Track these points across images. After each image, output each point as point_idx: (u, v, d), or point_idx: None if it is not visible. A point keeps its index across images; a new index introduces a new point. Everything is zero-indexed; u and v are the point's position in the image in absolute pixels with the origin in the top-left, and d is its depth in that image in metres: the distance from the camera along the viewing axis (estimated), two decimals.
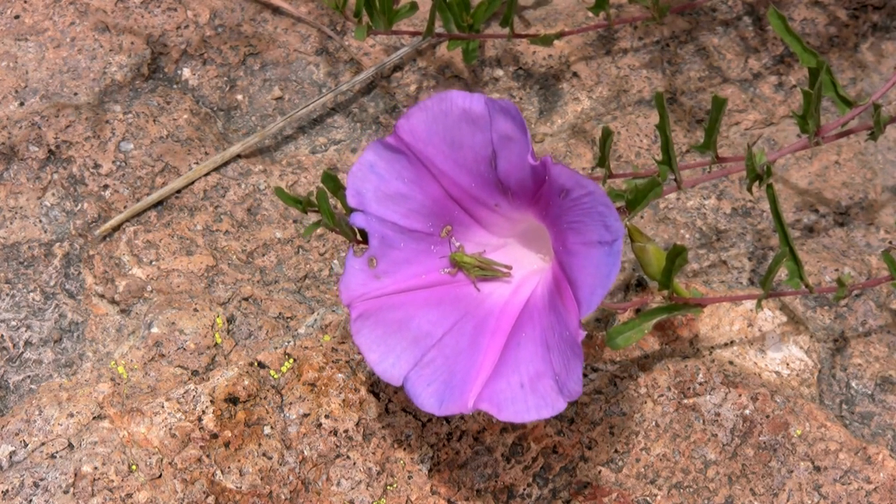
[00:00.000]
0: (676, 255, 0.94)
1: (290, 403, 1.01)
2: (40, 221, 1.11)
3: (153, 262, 1.09)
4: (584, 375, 1.04)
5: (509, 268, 0.97)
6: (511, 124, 0.90)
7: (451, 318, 0.95)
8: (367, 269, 0.95)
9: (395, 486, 1.00)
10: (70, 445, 0.99)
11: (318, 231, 1.12)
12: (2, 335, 1.06)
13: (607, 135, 0.96)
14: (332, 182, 0.96)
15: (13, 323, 1.06)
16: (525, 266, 0.97)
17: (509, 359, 0.91)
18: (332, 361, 1.03)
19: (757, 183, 0.99)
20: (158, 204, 1.12)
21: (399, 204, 0.95)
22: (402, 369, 0.94)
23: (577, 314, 0.87)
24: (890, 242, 1.12)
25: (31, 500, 0.96)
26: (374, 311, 0.95)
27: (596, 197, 0.87)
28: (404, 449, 1.01)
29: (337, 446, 1.00)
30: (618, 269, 0.86)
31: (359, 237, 0.97)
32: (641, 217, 1.13)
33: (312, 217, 1.12)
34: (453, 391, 0.92)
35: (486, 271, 0.97)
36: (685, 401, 1.02)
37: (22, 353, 1.06)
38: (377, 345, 0.94)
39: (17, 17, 1.20)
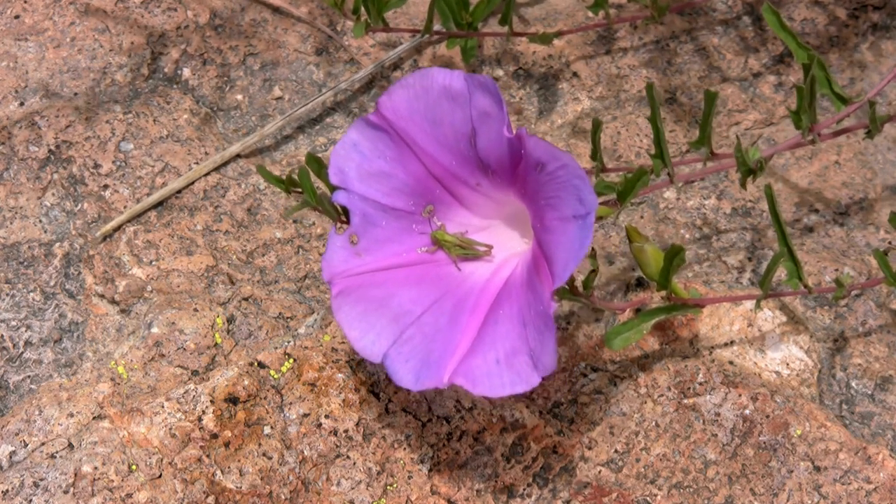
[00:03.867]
0: (674, 255, 0.94)
1: (290, 403, 1.01)
2: (40, 221, 1.11)
3: (153, 262, 1.09)
4: (584, 375, 1.04)
5: (490, 247, 0.97)
6: (489, 100, 0.90)
7: (431, 296, 0.95)
8: (348, 247, 0.95)
9: (395, 486, 1.00)
10: (70, 445, 0.99)
11: (318, 231, 1.12)
12: (2, 335, 1.06)
13: (596, 126, 0.96)
14: (316, 163, 0.96)
15: (13, 323, 1.07)
16: (507, 248, 0.97)
17: (486, 336, 0.92)
18: (332, 361, 1.03)
19: (752, 178, 0.99)
20: (158, 204, 1.12)
21: (381, 182, 0.95)
22: (381, 346, 0.94)
23: (550, 286, 0.88)
24: (889, 242, 1.12)
25: (31, 500, 0.96)
26: (355, 288, 0.95)
27: (570, 169, 0.87)
28: (404, 449, 1.01)
29: (337, 446, 1.00)
30: (590, 241, 0.87)
31: (342, 216, 0.97)
32: (641, 217, 1.13)
33: (312, 216, 1.12)
34: (430, 368, 0.92)
35: (467, 250, 0.97)
36: (685, 401, 1.03)
37: (22, 353, 1.06)
38: (357, 322, 0.95)
39: (17, 17, 1.21)
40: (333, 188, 0.95)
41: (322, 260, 0.96)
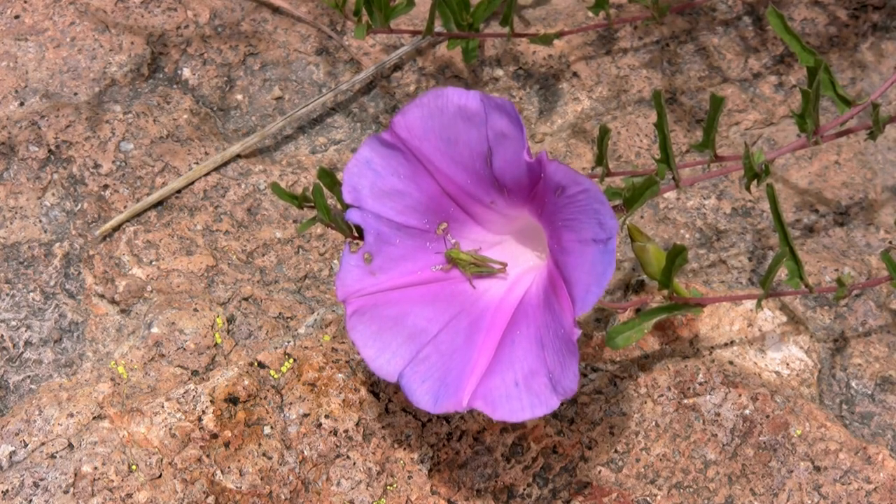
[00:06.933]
0: (676, 255, 0.94)
1: (290, 403, 1.01)
2: (40, 221, 1.11)
3: (153, 262, 1.09)
4: (584, 375, 1.04)
5: (504, 265, 0.97)
6: (506, 121, 0.90)
7: (446, 314, 0.95)
8: (362, 266, 0.95)
9: (395, 486, 1.00)
10: (70, 445, 0.99)
11: (318, 231, 1.12)
12: (2, 335, 1.06)
13: (604, 133, 0.96)
14: (328, 178, 0.96)
15: (13, 323, 1.07)
16: (521, 263, 0.97)
17: (504, 357, 0.91)
18: (332, 361, 1.03)
19: (755, 182, 0.99)
20: (158, 204, 1.12)
21: (395, 200, 0.95)
22: (397, 366, 0.94)
23: (571, 312, 0.87)
24: (890, 242, 1.12)
25: (31, 500, 0.96)
26: (370, 307, 0.95)
27: (591, 194, 0.87)
28: (404, 449, 1.01)
29: (337, 446, 1.00)
30: (613, 268, 0.86)
31: (355, 233, 0.97)
32: (641, 217, 1.13)
33: (313, 216, 1.12)
34: (448, 389, 0.92)
35: (482, 268, 0.97)
36: (685, 401, 1.03)
37: (22, 353, 1.06)
38: (373, 341, 0.95)
39: (17, 17, 1.21)
40: (347, 206, 0.95)
41: (336, 279, 0.96)
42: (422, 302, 0.95)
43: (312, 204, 0.96)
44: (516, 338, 0.92)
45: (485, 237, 0.98)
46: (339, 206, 0.97)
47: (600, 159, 0.99)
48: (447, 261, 0.97)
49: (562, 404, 1.03)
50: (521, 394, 0.90)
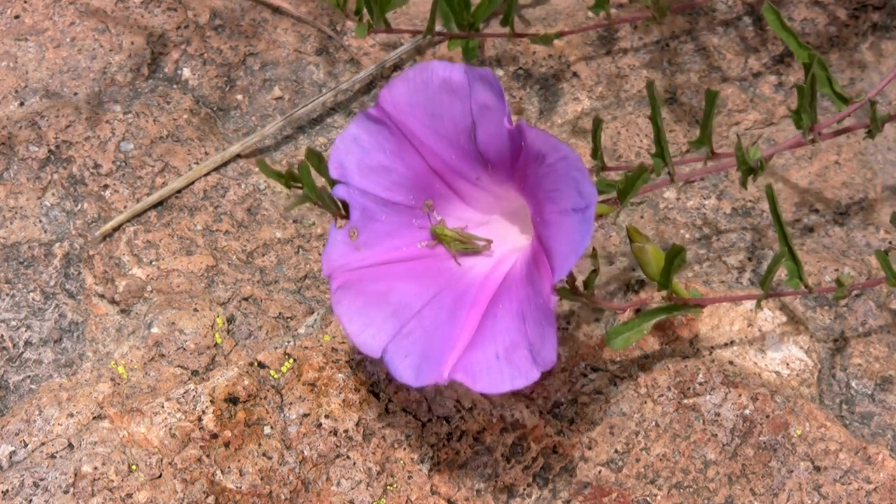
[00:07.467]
0: (675, 256, 0.94)
1: (290, 403, 1.01)
2: (40, 221, 1.11)
3: (153, 262, 1.09)
4: (584, 375, 1.04)
5: (489, 241, 0.97)
6: (489, 92, 0.90)
7: (430, 290, 0.95)
8: (347, 241, 0.95)
9: (395, 486, 1.00)
10: (70, 445, 0.99)
11: (318, 231, 1.12)
12: (2, 335, 1.06)
13: (597, 124, 0.96)
14: (316, 158, 0.96)
15: (13, 323, 1.07)
16: (507, 243, 0.98)
17: (486, 330, 0.92)
18: (332, 361, 1.03)
19: (752, 178, 0.99)
20: (158, 204, 1.12)
21: (381, 176, 0.95)
22: (381, 341, 0.94)
23: (550, 280, 0.87)
24: (890, 243, 1.12)
25: (31, 500, 0.96)
26: (355, 282, 0.95)
27: (570, 161, 0.87)
28: (404, 449, 1.01)
29: (337, 446, 1.00)
30: (590, 236, 0.86)
31: (342, 211, 0.96)
32: (641, 217, 1.13)
33: (312, 216, 1.12)
34: (430, 362, 0.92)
35: (467, 245, 0.97)
36: (685, 401, 1.03)
37: (22, 353, 1.06)
38: (357, 316, 0.95)
39: (17, 17, 1.21)
40: (333, 183, 0.95)
41: (322, 255, 0.96)
42: (407, 278, 0.95)
43: (300, 185, 0.96)
44: (499, 312, 0.92)
45: (471, 216, 0.98)
46: (327, 186, 0.96)
47: (595, 152, 0.99)
48: (433, 237, 0.97)
49: (557, 405, 1.03)
50: (502, 366, 0.90)
